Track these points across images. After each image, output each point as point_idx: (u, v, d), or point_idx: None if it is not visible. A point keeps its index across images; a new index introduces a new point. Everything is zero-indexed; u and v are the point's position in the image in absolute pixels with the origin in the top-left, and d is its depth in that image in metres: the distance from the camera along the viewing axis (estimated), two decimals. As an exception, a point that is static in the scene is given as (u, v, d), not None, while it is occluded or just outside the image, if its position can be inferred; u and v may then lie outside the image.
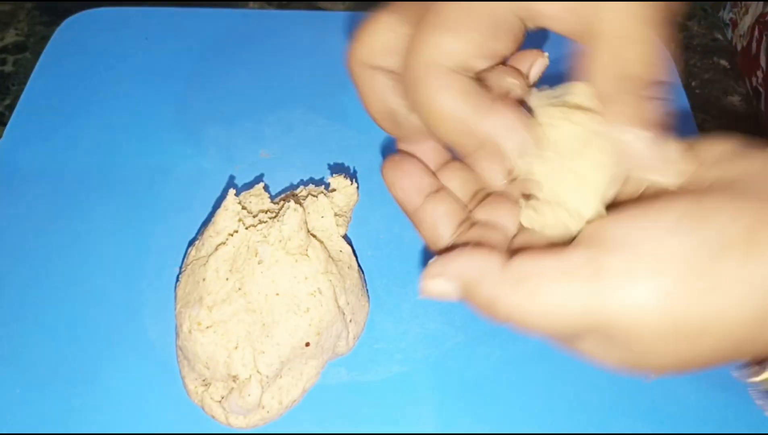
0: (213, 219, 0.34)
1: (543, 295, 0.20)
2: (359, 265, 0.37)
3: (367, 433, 0.33)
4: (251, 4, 0.55)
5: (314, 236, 0.34)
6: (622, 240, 0.20)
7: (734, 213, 0.19)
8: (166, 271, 0.38)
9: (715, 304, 0.19)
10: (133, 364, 0.34)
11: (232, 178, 0.42)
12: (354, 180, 0.37)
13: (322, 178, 0.43)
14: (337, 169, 0.43)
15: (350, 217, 0.38)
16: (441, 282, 0.22)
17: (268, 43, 0.50)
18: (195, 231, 0.39)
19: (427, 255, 0.39)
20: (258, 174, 0.42)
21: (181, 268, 0.38)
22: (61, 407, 0.33)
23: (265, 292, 0.31)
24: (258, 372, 0.31)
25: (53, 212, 0.40)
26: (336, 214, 0.36)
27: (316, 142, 0.45)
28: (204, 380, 0.32)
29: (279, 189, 0.42)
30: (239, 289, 0.31)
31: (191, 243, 0.38)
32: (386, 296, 0.38)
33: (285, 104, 0.47)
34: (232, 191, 0.34)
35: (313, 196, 0.36)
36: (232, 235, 0.32)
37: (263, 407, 0.31)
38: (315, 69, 0.49)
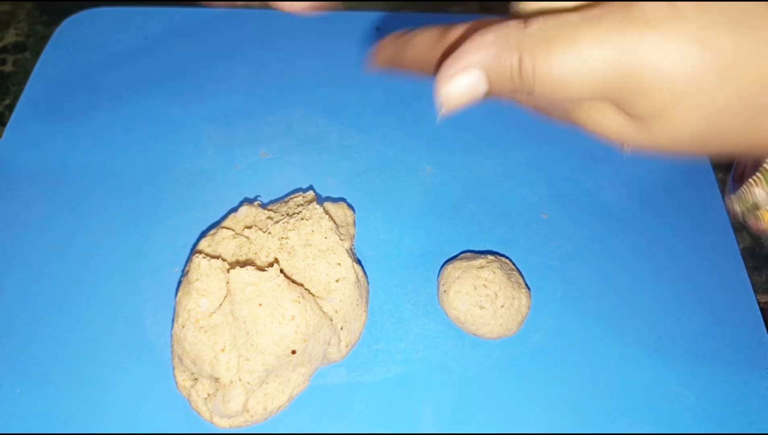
0: (191, 277, 0.32)
1: (575, 45, 0.19)
2: (366, 276, 0.37)
3: (367, 433, 0.33)
4: (251, 4, 0.55)
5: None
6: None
7: None
8: (166, 271, 0.37)
9: (746, 58, 0.19)
10: (132, 364, 0.34)
11: (232, 178, 0.42)
12: (348, 204, 0.38)
13: (321, 177, 0.43)
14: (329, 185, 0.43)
15: (354, 233, 0.38)
16: (461, 77, 0.20)
17: (269, 43, 0.50)
18: (195, 231, 0.39)
19: (427, 256, 0.39)
20: (258, 173, 0.42)
21: (183, 268, 0.38)
22: (61, 407, 0.33)
23: (248, 306, 0.31)
24: (240, 379, 0.31)
25: (53, 212, 0.40)
26: (339, 226, 0.36)
27: (316, 141, 0.45)
28: (192, 374, 0.32)
29: (279, 188, 0.42)
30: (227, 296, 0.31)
31: (203, 234, 0.38)
32: (386, 296, 0.38)
33: (285, 104, 0.47)
34: (197, 257, 0.32)
35: (305, 203, 0.36)
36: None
37: (248, 411, 0.31)
38: (315, 69, 0.49)
